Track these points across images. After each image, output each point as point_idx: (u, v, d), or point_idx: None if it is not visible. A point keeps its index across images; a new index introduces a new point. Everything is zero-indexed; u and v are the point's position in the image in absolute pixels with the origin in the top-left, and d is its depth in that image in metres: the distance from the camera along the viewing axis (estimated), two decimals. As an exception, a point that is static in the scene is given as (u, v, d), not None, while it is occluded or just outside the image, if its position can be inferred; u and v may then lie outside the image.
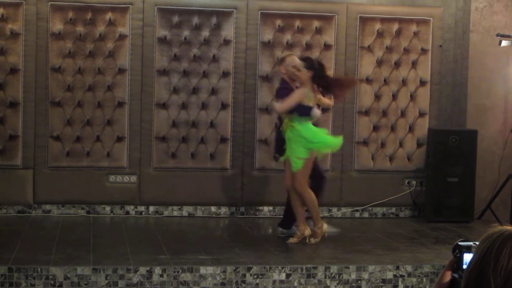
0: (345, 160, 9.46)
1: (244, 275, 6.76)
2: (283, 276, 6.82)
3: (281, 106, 7.75)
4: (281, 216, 8.92)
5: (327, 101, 8.05)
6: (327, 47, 9.54)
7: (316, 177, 8.10)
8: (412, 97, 9.77)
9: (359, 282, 6.94)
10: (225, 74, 9.39)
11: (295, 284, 6.83)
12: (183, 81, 9.34)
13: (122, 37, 9.20)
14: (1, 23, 9.00)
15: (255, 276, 6.77)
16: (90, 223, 8.76)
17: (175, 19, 9.29)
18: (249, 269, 6.79)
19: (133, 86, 9.24)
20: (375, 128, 9.72)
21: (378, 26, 9.65)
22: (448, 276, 2.62)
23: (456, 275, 2.59)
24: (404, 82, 9.75)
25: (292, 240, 7.94)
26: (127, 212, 9.26)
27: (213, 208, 9.40)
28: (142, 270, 6.62)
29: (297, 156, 7.72)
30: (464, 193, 9.40)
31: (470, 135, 9.48)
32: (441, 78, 9.81)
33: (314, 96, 7.77)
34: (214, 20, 9.35)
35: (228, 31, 9.37)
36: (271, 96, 9.44)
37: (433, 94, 9.80)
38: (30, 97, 9.05)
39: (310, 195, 7.86)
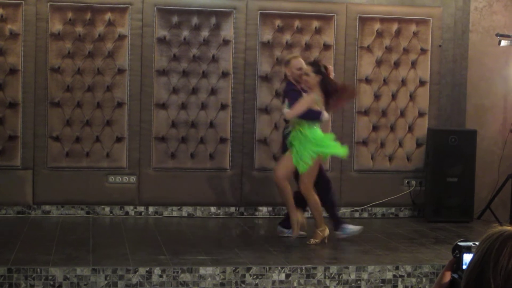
0: (345, 160, 9.45)
1: (243, 276, 6.76)
2: (282, 276, 6.82)
3: (291, 112, 7.77)
4: (281, 216, 8.94)
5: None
6: (326, 47, 9.54)
7: (322, 181, 8.11)
8: (412, 97, 9.77)
9: (358, 282, 6.94)
10: (225, 74, 9.39)
11: (295, 284, 6.83)
12: (183, 81, 9.34)
13: (121, 37, 9.20)
14: (0, 23, 9.00)
15: (255, 277, 6.77)
16: (89, 223, 8.76)
17: (175, 19, 9.29)
18: (248, 269, 6.79)
19: (132, 87, 9.24)
20: (375, 128, 9.72)
21: (377, 26, 9.65)
22: (447, 277, 2.61)
23: (455, 276, 2.59)
24: (403, 82, 9.75)
25: (313, 240, 7.94)
26: (127, 213, 9.26)
27: (212, 209, 9.40)
28: (142, 270, 6.62)
29: (304, 160, 7.74)
30: (464, 193, 9.40)
31: (470, 135, 9.48)
32: (440, 78, 9.81)
33: (322, 100, 7.81)
34: (213, 20, 9.35)
35: (227, 31, 9.37)
36: (271, 96, 9.46)
37: (433, 94, 9.80)
38: (30, 98, 9.04)
39: (314, 197, 7.88)
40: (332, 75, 8.10)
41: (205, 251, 7.34)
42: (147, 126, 9.28)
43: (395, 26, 9.68)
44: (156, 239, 7.97)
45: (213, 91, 9.39)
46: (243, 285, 6.75)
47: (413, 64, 9.74)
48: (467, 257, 2.54)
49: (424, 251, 7.72)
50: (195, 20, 9.33)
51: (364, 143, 9.68)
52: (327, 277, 6.89)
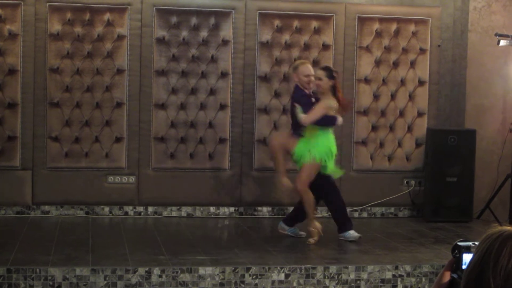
0: (344, 160, 9.45)
1: (243, 276, 6.76)
2: (282, 276, 6.82)
3: (308, 119, 7.81)
4: (281, 216, 8.95)
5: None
6: (325, 47, 9.54)
7: (329, 184, 8.14)
8: (411, 97, 9.77)
9: (358, 282, 6.94)
10: (224, 75, 9.39)
11: (294, 284, 6.83)
12: (182, 82, 9.34)
13: (120, 37, 9.20)
14: (-1, 24, 9.00)
15: (254, 277, 6.77)
16: (88, 223, 8.76)
17: (174, 19, 9.29)
18: (248, 269, 6.79)
19: (131, 87, 9.24)
20: (374, 128, 9.72)
21: (376, 26, 9.65)
22: (447, 277, 2.61)
23: (455, 276, 2.59)
24: (402, 82, 9.75)
25: (312, 240, 7.96)
26: (126, 213, 9.26)
27: (212, 209, 9.40)
28: (141, 270, 6.62)
29: (312, 155, 7.79)
30: (463, 193, 9.41)
31: (469, 135, 9.48)
32: (439, 78, 9.82)
33: (337, 105, 7.91)
34: (212, 20, 9.35)
35: (226, 31, 9.37)
36: (270, 97, 9.46)
37: (432, 94, 9.80)
38: (29, 98, 9.04)
39: (310, 195, 7.90)
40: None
41: (204, 251, 7.34)
42: (146, 126, 9.28)
43: (394, 26, 9.68)
44: (156, 239, 7.97)
45: (212, 91, 9.39)
46: (243, 285, 6.75)
47: (412, 64, 9.74)
48: (467, 257, 2.54)
49: (423, 251, 7.73)
50: (194, 20, 9.32)
51: (363, 143, 9.68)
52: (326, 277, 6.89)
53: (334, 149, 7.99)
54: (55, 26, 9.06)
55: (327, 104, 7.85)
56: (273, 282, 6.79)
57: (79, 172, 9.18)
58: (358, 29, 9.60)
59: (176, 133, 9.35)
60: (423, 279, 7.05)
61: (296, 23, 9.48)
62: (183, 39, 9.31)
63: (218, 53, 9.37)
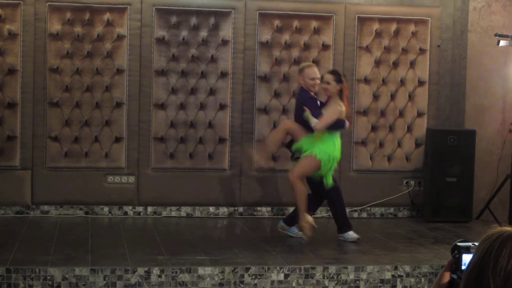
0: (344, 160, 9.43)
1: (242, 276, 6.76)
2: (281, 276, 6.82)
3: (320, 124, 7.82)
4: (280, 216, 8.95)
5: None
6: (325, 47, 9.54)
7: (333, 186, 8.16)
8: (411, 97, 9.77)
9: (357, 282, 6.94)
10: (223, 75, 9.39)
11: (294, 284, 6.83)
12: (181, 82, 9.34)
13: (120, 37, 9.20)
14: (-1, 23, 9.00)
15: (254, 277, 6.77)
16: (88, 223, 8.76)
17: (173, 19, 9.28)
18: (247, 269, 6.79)
19: (131, 87, 9.24)
20: (374, 128, 9.72)
21: (376, 26, 9.65)
22: (446, 277, 2.61)
23: (455, 276, 2.59)
24: (402, 82, 9.75)
25: (305, 236, 7.97)
26: (125, 213, 9.26)
27: (211, 209, 9.40)
28: (140, 270, 6.62)
29: (314, 152, 7.80)
30: (463, 193, 9.41)
31: (469, 135, 9.48)
32: (439, 78, 9.82)
33: (346, 109, 7.98)
34: (212, 20, 9.35)
35: (226, 31, 9.37)
36: (270, 97, 9.46)
37: (432, 94, 9.80)
38: (28, 98, 9.04)
39: (302, 187, 7.94)
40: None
41: (203, 251, 7.34)
42: (146, 126, 9.28)
43: (394, 26, 9.68)
44: (155, 239, 7.97)
45: (212, 91, 9.39)
46: (242, 285, 6.75)
47: (412, 64, 9.74)
48: (466, 258, 2.54)
49: (423, 251, 7.72)
50: (194, 20, 9.32)
51: (363, 143, 9.68)
52: (326, 277, 6.88)
53: (337, 155, 7.99)
54: (55, 26, 9.06)
55: (338, 109, 7.88)
56: (272, 282, 6.79)
57: (78, 172, 9.18)
58: (358, 29, 9.60)
59: (175, 133, 9.35)
60: (423, 279, 7.05)
61: (296, 23, 9.48)
62: (183, 39, 9.31)
63: (218, 53, 9.37)
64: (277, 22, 9.46)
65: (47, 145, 9.11)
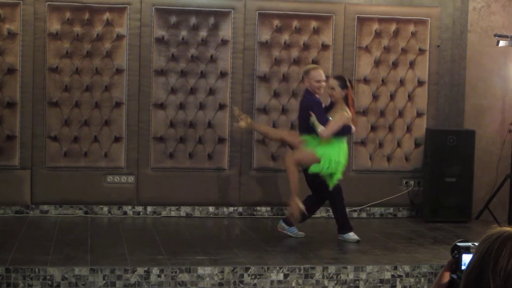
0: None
1: (242, 276, 6.75)
2: (281, 276, 6.82)
3: (327, 132, 7.86)
4: (280, 216, 8.95)
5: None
6: (324, 47, 9.54)
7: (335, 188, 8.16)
8: (410, 97, 9.77)
9: (357, 282, 6.94)
10: (223, 74, 9.39)
11: (293, 284, 6.82)
12: (181, 81, 9.33)
13: (119, 37, 9.20)
14: (-2, 23, 9.00)
15: (253, 277, 6.77)
16: (87, 223, 8.76)
17: (173, 19, 9.28)
18: (247, 269, 6.78)
19: (130, 86, 9.24)
20: (373, 128, 9.72)
21: (376, 26, 9.65)
22: (446, 277, 2.61)
23: (454, 276, 2.59)
24: (402, 82, 9.75)
25: (292, 218, 7.99)
26: (125, 213, 9.26)
27: (211, 208, 9.40)
28: (140, 270, 6.62)
29: (317, 150, 7.81)
30: (462, 193, 9.41)
31: (468, 135, 9.48)
32: (438, 78, 9.82)
33: (352, 115, 8.01)
34: (211, 20, 9.35)
35: (225, 31, 9.37)
36: (269, 97, 9.46)
37: (431, 94, 9.80)
38: (28, 97, 9.04)
39: (294, 174, 7.97)
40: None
41: (203, 251, 7.33)
42: (145, 126, 9.28)
43: (393, 26, 9.68)
44: (155, 239, 7.97)
45: (211, 91, 9.39)
46: (242, 285, 6.75)
47: (412, 64, 9.74)
48: (466, 258, 2.54)
49: (422, 251, 7.73)
50: (193, 20, 9.32)
51: (363, 143, 9.68)
52: (325, 277, 6.88)
53: (343, 160, 8.01)
54: (54, 26, 9.06)
55: (345, 116, 7.90)
56: (272, 282, 6.79)
57: (78, 172, 9.17)
58: (357, 29, 9.60)
59: (175, 133, 9.35)
60: (422, 279, 7.05)
61: (295, 23, 9.48)
62: (183, 38, 9.31)
63: (218, 53, 9.37)
64: (276, 22, 9.46)
65: (46, 145, 9.11)
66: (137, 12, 9.21)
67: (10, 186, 9.00)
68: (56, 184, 9.09)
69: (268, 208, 9.46)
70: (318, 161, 7.91)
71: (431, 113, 9.81)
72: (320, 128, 7.84)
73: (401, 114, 9.77)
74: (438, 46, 9.76)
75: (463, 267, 2.52)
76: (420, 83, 9.77)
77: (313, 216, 8.49)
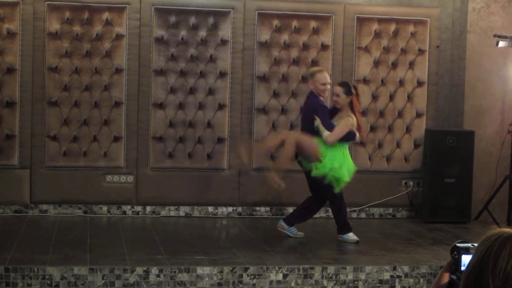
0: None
1: (241, 276, 6.75)
2: (280, 276, 6.82)
3: (331, 138, 7.88)
4: (279, 216, 8.95)
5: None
6: (324, 47, 9.54)
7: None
8: (409, 97, 9.77)
9: (356, 282, 6.94)
10: (222, 74, 9.39)
11: (292, 284, 6.82)
12: (180, 81, 9.33)
13: (119, 37, 9.19)
14: (-2, 22, 9.00)
15: (252, 277, 6.77)
16: (87, 223, 8.75)
17: (172, 19, 9.28)
18: (246, 269, 6.78)
19: (130, 86, 9.24)
20: (372, 129, 9.72)
21: (375, 26, 9.65)
22: (446, 278, 2.61)
23: (454, 277, 2.59)
24: (401, 83, 9.75)
25: (269, 184, 8.09)
26: (124, 212, 9.25)
27: (210, 208, 9.40)
28: (139, 270, 6.61)
29: (321, 150, 7.85)
30: (461, 194, 9.41)
31: (467, 136, 9.48)
32: (438, 78, 9.82)
33: (356, 120, 8.03)
34: (211, 20, 9.34)
35: (225, 31, 9.37)
36: (268, 97, 9.45)
37: (430, 95, 9.80)
38: (27, 97, 9.04)
39: (289, 148, 7.96)
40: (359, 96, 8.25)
41: (202, 251, 7.33)
42: (144, 125, 9.28)
43: (393, 27, 9.68)
44: (154, 238, 7.97)
45: (210, 91, 9.38)
46: (241, 285, 6.74)
47: (411, 65, 9.74)
48: (466, 259, 2.54)
49: (421, 252, 7.72)
50: (192, 20, 9.32)
51: (362, 143, 9.67)
52: (324, 278, 6.88)
53: (351, 166, 8.04)
54: (54, 25, 9.06)
55: (350, 122, 7.91)
56: (271, 282, 6.79)
57: (77, 171, 9.17)
58: (357, 30, 9.60)
59: (174, 133, 9.35)
60: (421, 280, 7.05)
61: (295, 23, 9.48)
62: (182, 38, 9.31)
63: (217, 52, 9.37)
64: (276, 22, 9.46)
65: (45, 144, 9.10)
66: (137, 11, 9.20)
67: (10, 185, 9.00)
68: (56, 183, 9.09)
69: (267, 208, 9.46)
70: (316, 155, 7.91)
71: (430, 114, 9.81)
72: (325, 133, 7.85)
73: (400, 114, 9.77)
74: (438, 46, 9.76)
75: (463, 268, 2.52)
76: (420, 83, 9.77)
77: (312, 216, 8.49)
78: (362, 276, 6.96)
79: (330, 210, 9.35)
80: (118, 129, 9.24)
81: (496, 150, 9.71)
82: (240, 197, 9.46)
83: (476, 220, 9.54)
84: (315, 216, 8.61)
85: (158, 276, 6.62)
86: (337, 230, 8.20)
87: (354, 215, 9.53)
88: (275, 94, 9.47)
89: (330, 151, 7.92)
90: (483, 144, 9.71)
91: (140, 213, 9.27)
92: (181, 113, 9.35)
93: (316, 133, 7.93)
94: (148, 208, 9.29)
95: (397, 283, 7.00)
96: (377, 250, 7.73)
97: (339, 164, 7.94)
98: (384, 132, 9.75)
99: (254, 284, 6.75)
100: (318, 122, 7.91)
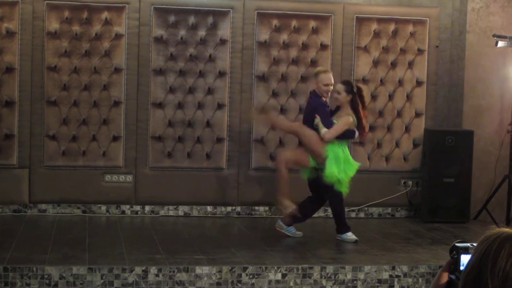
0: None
1: (240, 275, 6.75)
2: (279, 276, 6.82)
3: (329, 135, 7.89)
4: (278, 216, 8.95)
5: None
6: (323, 47, 9.53)
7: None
8: (409, 97, 9.77)
9: (355, 282, 6.94)
10: (221, 74, 9.38)
11: (291, 284, 6.82)
12: (179, 81, 9.33)
13: (118, 36, 9.19)
14: (-3, 22, 8.99)
15: (251, 276, 6.77)
16: (85, 222, 8.75)
17: (172, 18, 9.28)
18: (244, 269, 6.78)
19: (129, 86, 9.23)
20: (372, 128, 9.71)
21: (374, 26, 9.64)
22: (445, 278, 2.61)
23: (453, 277, 2.59)
24: (400, 83, 9.75)
25: (281, 212, 8.14)
26: (123, 212, 9.25)
27: (209, 208, 9.40)
28: (138, 269, 6.61)
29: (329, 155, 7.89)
30: (460, 193, 9.40)
31: (466, 136, 9.48)
32: (437, 78, 9.82)
33: (356, 120, 8.04)
34: (210, 19, 9.34)
35: (224, 30, 9.36)
36: (268, 96, 9.45)
37: (430, 95, 9.80)
38: (26, 96, 9.03)
39: (284, 174, 8.00)
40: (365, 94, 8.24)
41: (201, 251, 7.33)
42: (143, 125, 9.28)
43: (392, 27, 9.68)
44: (153, 238, 7.96)
45: (210, 91, 9.38)
46: (239, 285, 6.74)
47: (410, 65, 9.74)
48: (465, 258, 2.55)
49: (420, 251, 7.73)
50: (192, 19, 9.32)
51: (361, 143, 9.67)
52: (323, 277, 6.88)
53: (352, 163, 8.06)
54: (53, 25, 9.05)
55: (349, 121, 7.92)
56: (270, 281, 6.79)
57: (76, 171, 9.17)
58: (356, 29, 9.60)
59: (173, 132, 9.35)
60: (420, 279, 7.05)
61: (294, 23, 9.48)
62: (181, 38, 9.31)
63: (216, 52, 9.37)
64: (275, 22, 9.45)
65: (44, 144, 9.10)
66: (136, 11, 9.20)
67: (8, 185, 9.00)
68: (54, 183, 9.09)
69: (266, 208, 9.46)
70: (307, 161, 7.98)
71: (429, 114, 9.81)
72: (323, 130, 7.87)
73: (399, 114, 9.77)
74: (437, 46, 9.76)
75: (462, 268, 2.52)
76: (419, 83, 9.77)
77: (311, 216, 8.49)
78: (361, 275, 6.96)
79: (328, 210, 9.36)
80: (117, 128, 9.24)
81: (495, 149, 9.71)
82: (239, 197, 9.46)
83: (475, 220, 9.55)
84: (314, 215, 8.61)
85: (157, 275, 6.62)
86: (336, 229, 8.21)
87: (353, 214, 9.53)
88: (274, 94, 9.47)
89: (331, 150, 7.92)
90: (482, 144, 9.71)
91: (139, 212, 9.27)
92: (180, 113, 9.35)
93: (317, 131, 7.95)
94: (147, 208, 9.29)
95: (396, 283, 7.00)
96: (376, 250, 7.73)
97: (343, 162, 7.96)
98: (383, 131, 9.75)
99: (253, 284, 6.75)
100: (317, 120, 7.93)
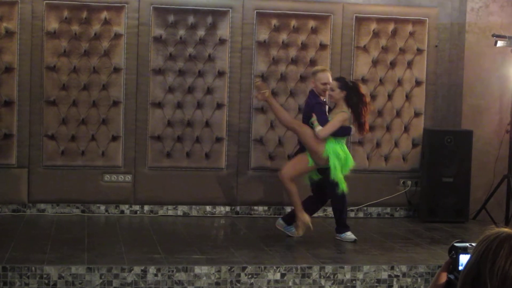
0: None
1: (238, 275, 6.75)
2: (278, 276, 6.82)
3: (323, 132, 7.88)
4: (277, 216, 8.95)
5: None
6: (322, 47, 9.53)
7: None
8: (408, 97, 9.77)
9: (353, 282, 6.94)
10: (221, 74, 9.38)
11: (290, 284, 6.82)
12: (179, 81, 9.33)
13: (117, 36, 9.19)
14: (-4, 21, 8.99)
15: (250, 276, 6.77)
16: (84, 222, 8.75)
17: (171, 18, 9.28)
18: (243, 268, 6.78)
19: (128, 85, 9.23)
20: (371, 128, 9.68)
21: (374, 26, 9.64)
22: (443, 278, 2.61)
23: (452, 277, 2.59)
24: (399, 82, 9.75)
25: (297, 233, 8.02)
26: (122, 211, 9.25)
27: (208, 208, 9.39)
28: (137, 269, 6.61)
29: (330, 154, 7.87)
30: (459, 193, 9.41)
31: (465, 136, 9.48)
32: (436, 78, 9.82)
33: (352, 116, 8.03)
34: (209, 19, 9.34)
35: (223, 30, 9.36)
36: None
37: (429, 94, 9.80)
38: (25, 96, 9.03)
39: (292, 186, 7.99)
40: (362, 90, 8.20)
41: (200, 250, 7.33)
42: (142, 125, 9.27)
43: (391, 26, 9.68)
44: (151, 238, 7.96)
45: (209, 90, 9.38)
46: (238, 285, 6.74)
47: (409, 64, 9.74)
48: (464, 258, 2.54)
49: (419, 251, 7.73)
50: (191, 19, 9.31)
51: (360, 143, 9.68)
52: (322, 277, 6.88)
53: (349, 160, 8.06)
54: (52, 24, 9.05)
55: (343, 117, 7.92)
56: (268, 281, 6.79)
57: (75, 171, 9.17)
58: (355, 29, 9.60)
59: (172, 132, 9.35)
60: (419, 279, 7.05)
61: (293, 23, 9.48)
62: (180, 38, 9.30)
63: (215, 52, 9.36)
64: (274, 22, 9.45)
65: (43, 144, 9.10)
66: (135, 11, 9.20)
67: (7, 184, 8.99)
68: (53, 182, 9.08)
69: (266, 208, 9.46)
70: (307, 165, 7.97)
71: (428, 113, 9.81)
72: (317, 128, 7.86)
73: (398, 114, 9.77)
74: (436, 46, 9.76)
75: (461, 268, 2.52)
76: (418, 83, 9.77)
77: (312, 215, 8.49)
78: (360, 275, 6.96)
79: (328, 210, 9.38)
80: (116, 128, 9.23)
81: (494, 149, 9.72)
82: (238, 197, 9.45)
83: (474, 220, 9.55)
84: (313, 215, 8.60)
85: (155, 275, 6.62)
86: (336, 229, 8.21)
87: (352, 214, 9.53)
88: (274, 94, 9.45)
89: (330, 148, 7.91)
90: (481, 144, 9.71)
91: (138, 212, 9.27)
92: (179, 113, 9.35)
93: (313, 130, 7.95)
94: (146, 207, 9.29)
95: (394, 283, 7.01)
96: (375, 250, 7.73)
97: (343, 159, 7.96)
98: (382, 131, 9.75)
99: (251, 284, 6.75)
100: (313, 118, 7.92)
